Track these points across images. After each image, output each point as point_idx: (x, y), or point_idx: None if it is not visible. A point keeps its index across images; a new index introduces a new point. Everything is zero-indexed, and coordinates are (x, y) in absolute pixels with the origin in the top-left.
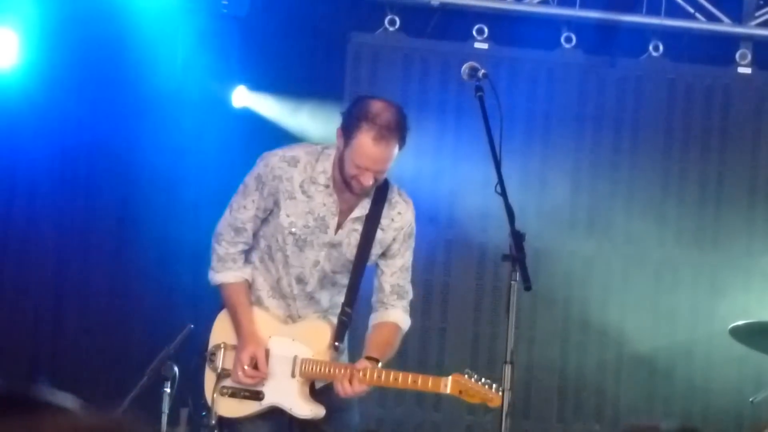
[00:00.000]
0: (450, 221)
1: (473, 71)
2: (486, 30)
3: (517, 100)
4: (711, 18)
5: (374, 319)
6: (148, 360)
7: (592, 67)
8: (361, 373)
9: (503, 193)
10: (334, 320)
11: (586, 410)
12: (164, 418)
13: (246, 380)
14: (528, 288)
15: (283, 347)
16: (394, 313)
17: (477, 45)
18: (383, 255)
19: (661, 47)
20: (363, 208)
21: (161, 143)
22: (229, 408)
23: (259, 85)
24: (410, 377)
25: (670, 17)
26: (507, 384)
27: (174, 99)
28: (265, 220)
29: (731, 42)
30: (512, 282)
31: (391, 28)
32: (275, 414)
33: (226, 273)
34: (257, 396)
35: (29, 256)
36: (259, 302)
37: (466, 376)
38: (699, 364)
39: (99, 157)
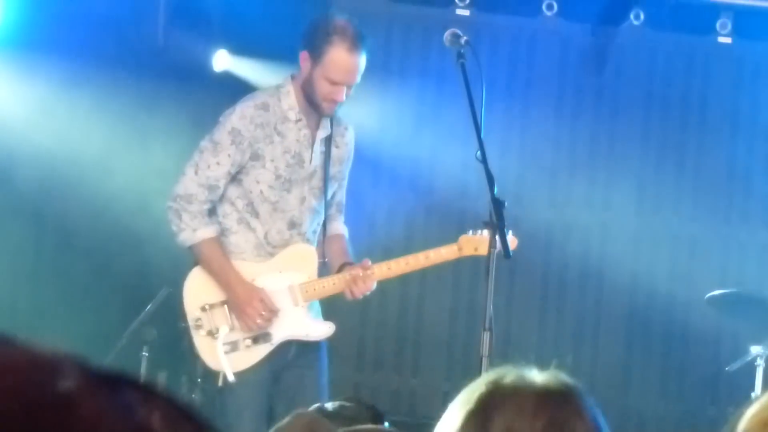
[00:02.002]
0: (430, 188)
1: (455, 38)
2: None
3: (499, 67)
4: None
5: (326, 232)
6: (126, 323)
7: (572, 35)
8: (369, 272)
9: (484, 160)
10: (312, 240)
11: None
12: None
13: (261, 327)
14: (507, 256)
15: (273, 282)
16: (340, 227)
17: (459, 11)
18: (333, 177)
19: (642, 15)
20: (325, 129)
21: (143, 109)
22: (240, 362)
23: (240, 49)
24: (421, 255)
25: None
26: (485, 351)
27: (155, 63)
28: (234, 180)
29: (712, 11)
30: (491, 249)
31: None
32: (279, 348)
33: (206, 229)
34: (266, 338)
35: (15, 203)
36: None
37: (470, 233)
38: (676, 332)
39: (76, 119)
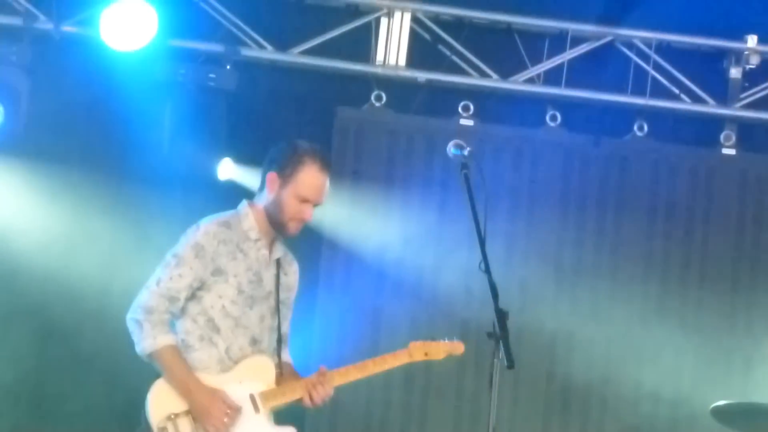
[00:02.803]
0: (433, 297)
1: (459, 148)
2: (472, 107)
3: (502, 177)
4: (696, 99)
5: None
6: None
7: (576, 146)
8: (326, 377)
9: (487, 271)
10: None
11: None
12: None
13: (228, 426)
14: (510, 366)
15: (234, 392)
16: (287, 357)
17: (462, 122)
18: (282, 302)
19: (645, 127)
20: (279, 251)
21: (148, 215)
22: None
23: (245, 157)
24: (374, 361)
25: (655, 98)
26: None
27: (160, 170)
28: (195, 297)
29: (716, 123)
30: (495, 360)
31: (377, 104)
32: None
33: (166, 336)
34: None
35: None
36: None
37: (420, 341)
38: None
39: (81, 225)
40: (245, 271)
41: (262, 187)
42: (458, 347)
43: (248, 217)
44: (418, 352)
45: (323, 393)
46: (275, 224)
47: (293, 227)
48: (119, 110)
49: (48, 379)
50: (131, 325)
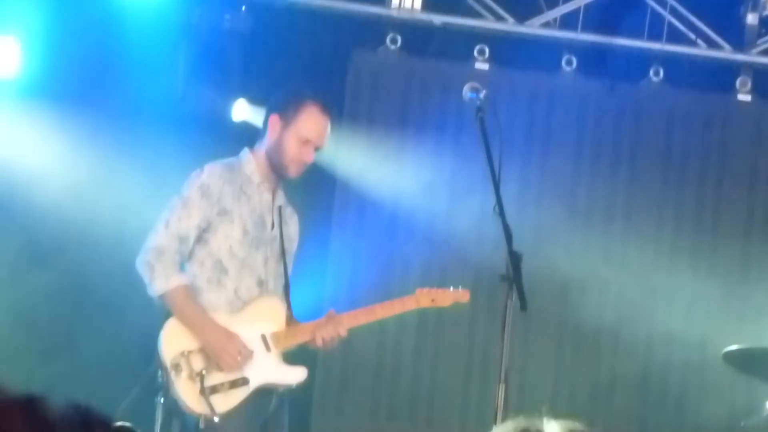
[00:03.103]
0: (447, 240)
1: (474, 91)
2: (487, 51)
3: (517, 121)
4: (712, 44)
5: None
6: (140, 369)
7: (591, 91)
8: (335, 320)
9: (501, 214)
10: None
11: None
12: (157, 428)
13: (241, 364)
14: (524, 308)
15: (246, 332)
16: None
17: (478, 65)
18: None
19: (661, 72)
20: (280, 198)
21: (162, 155)
22: (221, 404)
23: (259, 98)
24: (382, 305)
25: (671, 42)
26: (500, 404)
27: (175, 111)
28: (201, 240)
29: (732, 69)
30: (508, 302)
31: (392, 47)
32: (259, 397)
33: (179, 276)
34: (243, 382)
35: (33, 255)
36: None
37: (427, 288)
38: (692, 388)
39: (97, 167)
40: (249, 213)
41: (263, 132)
42: (464, 295)
43: (250, 162)
44: (424, 298)
45: (333, 333)
46: (276, 167)
47: (294, 169)
48: (134, 53)
49: (62, 322)
50: (142, 268)
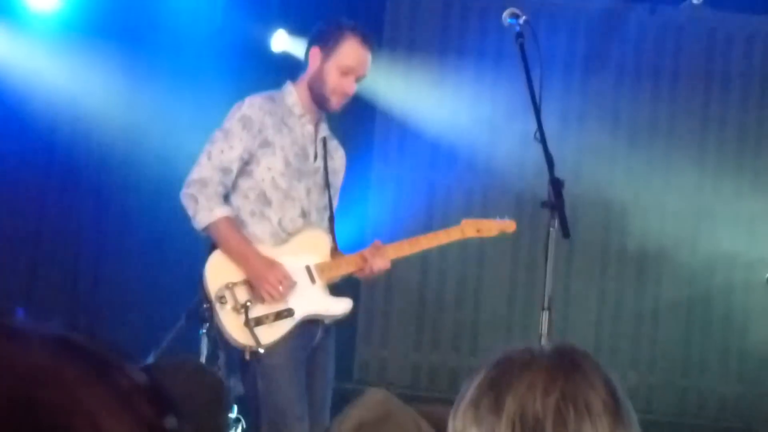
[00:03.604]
0: (488, 168)
1: (514, 17)
2: None
3: (557, 47)
4: None
5: None
6: (186, 302)
7: (631, 14)
8: (380, 251)
9: (542, 140)
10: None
11: (621, 358)
12: (202, 360)
13: (283, 295)
14: (566, 235)
15: (291, 263)
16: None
17: None
18: (331, 184)
19: None
20: (324, 130)
21: (201, 88)
22: (266, 335)
23: (299, 29)
24: (427, 236)
25: None
26: (544, 330)
27: (214, 43)
28: (245, 172)
29: None
30: (550, 229)
31: None
32: (304, 328)
33: (222, 208)
34: (288, 313)
35: (71, 201)
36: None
37: (472, 219)
38: (736, 312)
39: (139, 103)
40: (291, 145)
41: (305, 65)
42: (510, 225)
43: (292, 94)
44: (470, 228)
45: (380, 264)
46: (318, 99)
47: (335, 101)
48: None
49: (108, 254)
50: (186, 200)
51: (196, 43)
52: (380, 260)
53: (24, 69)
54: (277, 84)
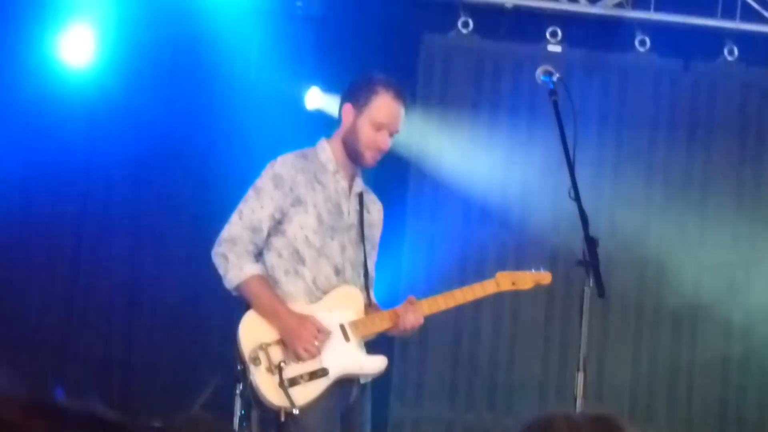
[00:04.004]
0: (522, 224)
1: (547, 75)
2: (560, 32)
3: (591, 103)
4: None
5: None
6: (222, 361)
7: (665, 71)
8: (415, 306)
9: (577, 198)
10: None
11: (657, 418)
12: (236, 420)
13: (319, 349)
14: (601, 294)
15: (325, 321)
16: (372, 298)
17: (550, 48)
18: (367, 238)
19: (735, 51)
20: (359, 185)
21: (234, 144)
22: (301, 396)
23: (332, 86)
24: (462, 290)
25: (745, 21)
26: (579, 392)
27: (248, 99)
28: (278, 230)
29: None
30: (585, 288)
31: (464, 30)
32: (339, 387)
33: (253, 266)
34: (323, 372)
35: (104, 255)
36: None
37: (507, 271)
38: None
39: (173, 157)
40: (324, 202)
41: (339, 121)
42: (545, 277)
43: (325, 150)
44: (505, 281)
45: (414, 320)
46: (352, 154)
47: (370, 156)
48: (206, 39)
49: (142, 314)
50: (217, 260)
51: (230, 99)
52: (413, 316)
53: (59, 124)
54: (311, 141)
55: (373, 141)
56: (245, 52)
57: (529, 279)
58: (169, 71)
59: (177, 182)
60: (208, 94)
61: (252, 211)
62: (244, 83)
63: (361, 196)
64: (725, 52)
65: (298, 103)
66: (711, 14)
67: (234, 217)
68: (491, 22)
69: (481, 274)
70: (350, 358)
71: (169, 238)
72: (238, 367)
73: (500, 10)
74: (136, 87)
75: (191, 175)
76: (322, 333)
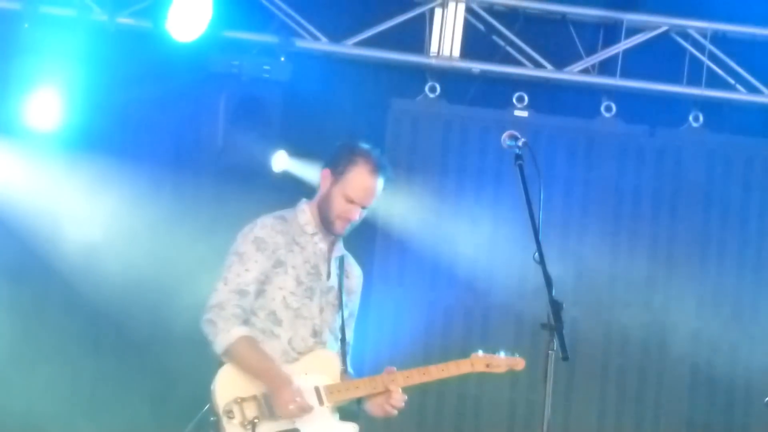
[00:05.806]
0: (488, 288)
1: (513, 139)
2: (526, 98)
3: (557, 168)
4: (752, 89)
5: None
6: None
7: (631, 137)
8: (391, 378)
9: (542, 262)
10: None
11: None
12: None
13: (299, 412)
14: (566, 358)
15: (300, 383)
16: (349, 365)
17: (517, 112)
18: (345, 305)
19: (701, 118)
20: (340, 249)
21: (201, 205)
22: None
23: (299, 149)
24: (438, 367)
25: (711, 88)
26: None
27: (215, 162)
28: (259, 292)
29: None
30: (550, 351)
31: (431, 95)
32: None
33: (240, 328)
34: None
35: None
36: None
37: (481, 352)
38: (736, 428)
39: (140, 218)
40: (303, 263)
41: (318, 185)
42: (519, 363)
43: (305, 213)
44: (479, 363)
45: (392, 407)
46: (324, 220)
47: (339, 225)
48: (174, 102)
49: (114, 369)
50: (205, 327)
51: (197, 161)
52: (399, 397)
53: (26, 188)
54: (280, 204)
55: (344, 212)
56: (213, 115)
57: (503, 363)
58: (136, 135)
59: (144, 243)
60: (176, 157)
61: (237, 276)
62: (212, 146)
63: (341, 260)
64: (690, 118)
65: (266, 166)
66: (677, 81)
67: (219, 284)
68: (458, 87)
69: (446, 338)
70: (322, 422)
71: (135, 301)
72: (211, 419)
73: (467, 75)
74: (103, 151)
75: (158, 237)
76: (302, 399)
